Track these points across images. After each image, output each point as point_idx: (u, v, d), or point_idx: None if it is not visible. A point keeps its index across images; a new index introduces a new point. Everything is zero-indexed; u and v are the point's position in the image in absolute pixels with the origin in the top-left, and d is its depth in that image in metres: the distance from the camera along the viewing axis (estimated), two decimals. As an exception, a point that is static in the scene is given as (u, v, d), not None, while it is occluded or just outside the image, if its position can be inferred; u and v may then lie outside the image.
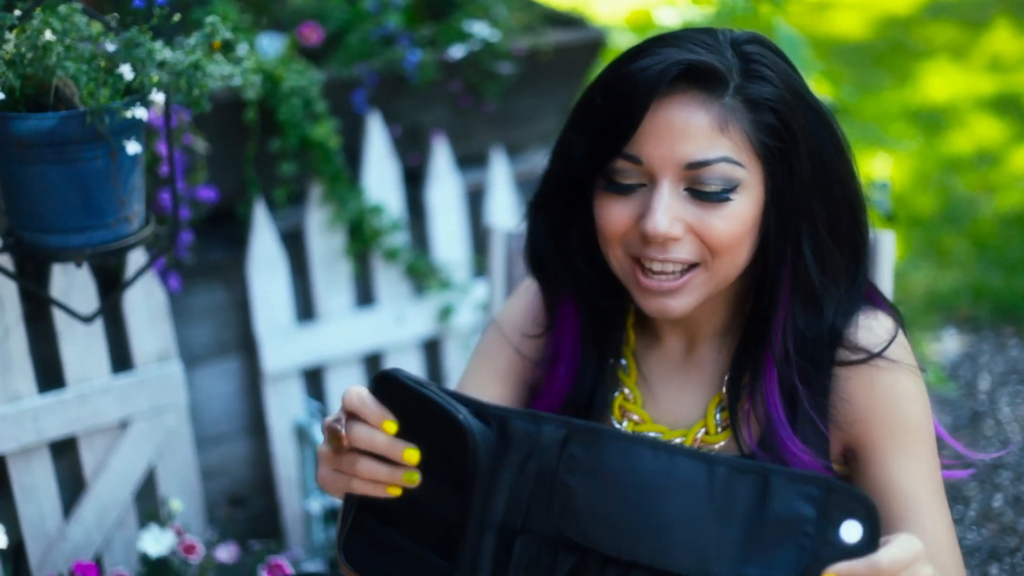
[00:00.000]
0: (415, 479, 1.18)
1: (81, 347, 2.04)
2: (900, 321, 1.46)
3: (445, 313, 2.53)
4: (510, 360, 1.58)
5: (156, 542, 2.03)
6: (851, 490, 1.12)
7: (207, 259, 2.31)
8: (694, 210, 1.34)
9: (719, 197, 1.33)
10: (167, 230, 1.92)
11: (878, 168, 4.39)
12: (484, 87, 2.54)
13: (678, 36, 1.36)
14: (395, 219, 2.44)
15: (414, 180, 2.56)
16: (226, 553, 2.10)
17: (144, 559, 2.03)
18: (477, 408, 1.22)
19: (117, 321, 2.13)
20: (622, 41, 2.77)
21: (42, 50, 1.57)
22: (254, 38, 2.44)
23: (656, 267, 1.36)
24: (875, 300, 1.47)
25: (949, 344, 3.53)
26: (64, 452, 2.09)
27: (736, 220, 1.34)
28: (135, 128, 1.64)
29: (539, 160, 2.64)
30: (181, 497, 2.19)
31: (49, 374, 2.04)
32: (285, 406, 2.41)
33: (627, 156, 1.34)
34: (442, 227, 2.54)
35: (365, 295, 2.51)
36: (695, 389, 1.49)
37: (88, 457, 2.09)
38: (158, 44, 1.62)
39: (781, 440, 1.39)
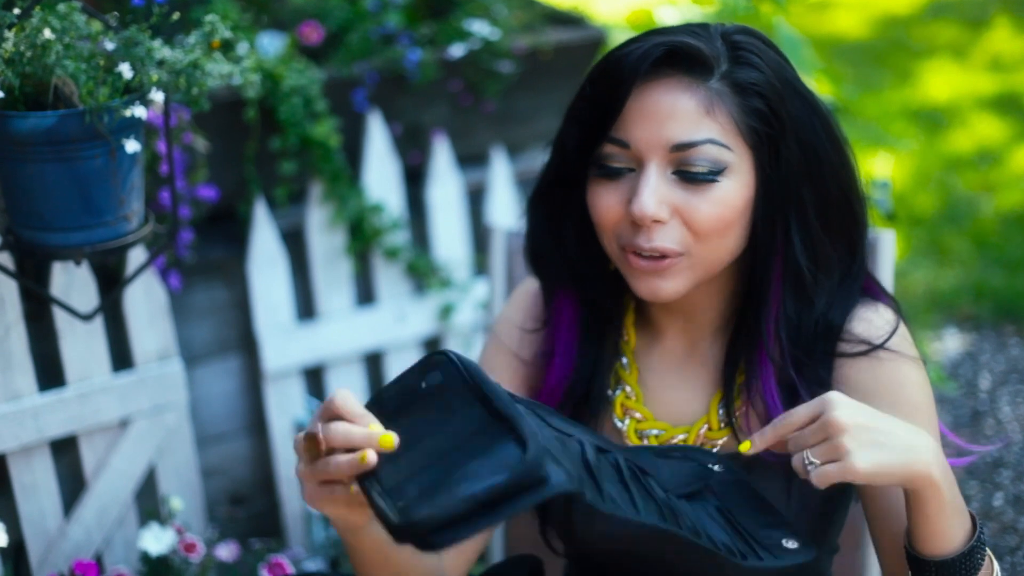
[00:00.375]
0: (365, 460, 1.14)
1: (81, 346, 2.04)
2: (901, 313, 1.46)
3: (446, 312, 2.53)
4: (511, 368, 1.59)
5: (157, 541, 2.03)
6: None
7: (207, 258, 2.31)
8: (681, 193, 1.35)
9: (705, 178, 1.33)
10: (166, 229, 1.92)
11: (879, 167, 4.39)
12: (484, 86, 2.54)
13: (670, 27, 1.39)
14: (395, 218, 2.44)
15: (414, 179, 2.56)
16: (226, 552, 2.10)
17: (145, 558, 2.03)
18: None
19: (117, 320, 2.13)
20: (622, 40, 2.77)
21: (41, 49, 1.57)
22: (254, 37, 2.44)
23: (645, 253, 1.37)
24: (875, 293, 1.48)
25: (950, 343, 3.53)
26: (64, 451, 2.09)
27: (722, 204, 1.34)
28: (134, 127, 1.64)
29: (539, 159, 2.64)
30: (182, 496, 2.19)
31: (50, 373, 2.04)
32: (285, 405, 2.41)
33: (614, 140, 1.35)
34: (442, 226, 2.54)
35: (366, 294, 2.51)
36: (696, 386, 1.50)
37: (88, 456, 2.09)
38: (157, 43, 1.62)
39: (781, 432, 1.40)
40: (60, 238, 1.67)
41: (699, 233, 1.35)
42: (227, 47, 2.22)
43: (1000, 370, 3.38)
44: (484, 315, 2.50)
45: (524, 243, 1.55)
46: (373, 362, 2.53)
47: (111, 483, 2.11)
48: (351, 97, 2.40)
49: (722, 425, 1.46)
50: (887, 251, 1.85)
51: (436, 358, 1.23)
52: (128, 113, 1.59)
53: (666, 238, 1.35)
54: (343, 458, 1.16)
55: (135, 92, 1.63)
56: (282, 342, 2.38)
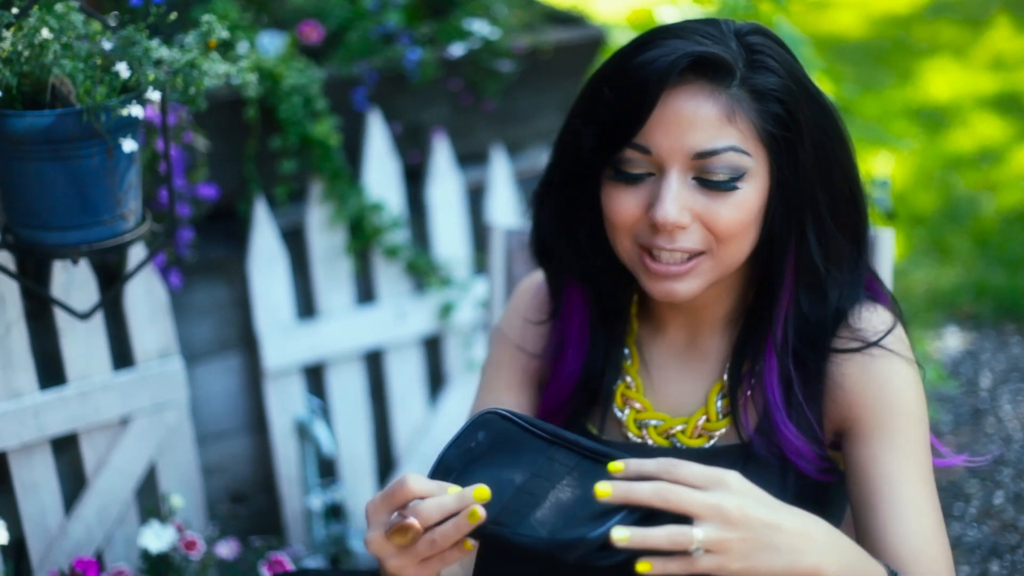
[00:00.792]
0: (478, 516, 1.15)
1: (82, 344, 2.05)
2: (899, 315, 1.47)
3: (445, 310, 2.53)
4: (518, 363, 1.60)
5: (157, 538, 2.03)
6: None
7: (208, 256, 2.32)
8: (702, 199, 1.35)
9: (727, 186, 1.34)
10: (165, 227, 1.92)
11: (880, 167, 4.39)
12: (484, 85, 2.54)
13: (683, 28, 1.37)
14: (395, 217, 2.45)
15: (414, 178, 2.57)
16: (227, 549, 2.10)
17: (145, 555, 2.04)
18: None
19: (118, 318, 2.14)
20: (622, 39, 2.77)
21: (39, 48, 1.57)
22: (255, 36, 2.44)
23: (664, 255, 1.37)
24: (876, 292, 1.48)
25: (951, 341, 3.53)
26: (65, 448, 2.09)
27: (742, 209, 1.35)
28: (131, 126, 1.64)
29: (539, 158, 2.64)
30: (182, 493, 2.20)
31: (50, 371, 2.04)
32: (286, 403, 2.42)
33: (636, 146, 1.35)
34: (442, 225, 2.55)
35: (366, 292, 2.51)
36: (696, 377, 1.51)
37: (89, 453, 2.10)
38: (155, 43, 1.62)
39: (776, 425, 1.41)
40: (57, 237, 1.68)
41: (720, 236, 1.36)
42: (227, 46, 2.23)
43: (1001, 369, 3.38)
44: (484, 314, 2.51)
45: (530, 238, 1.55)
46: (373, 360, 2.54)
47: (112, 481, 2.11)
48: (351, 96, 2.41)
49: (720, 416, 1.47)
50: (886, 249, 1.85)
51: (482, 418, 1.26)
52: (125, 112, 1.60)
53: (689, 239, 1.36)
54: (446, 527, 1.16)
55: (132, 91, 1.64)
56: (282, 340, 2.39)
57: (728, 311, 1.49)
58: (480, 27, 2.52)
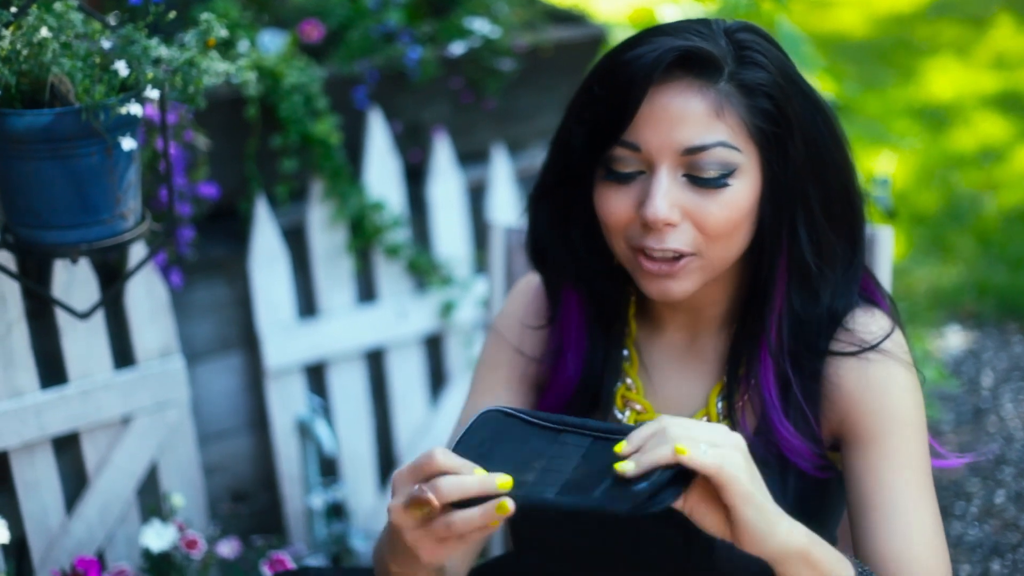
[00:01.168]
0: (507, 509, 1.15)
1: (83, 343, 2.05)
2: (897, 318, 1.46)
3: (446, 309, 2.53)
4: (513, 363, 1.59)
5: (158, 537, 2.03)
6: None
7: (209, 255, 2.32)
8: (692, 196, 1.35)
9: (717, 183, 1.34)
10: (164, 226, 1.92)
11: (882, 165, 4.39)
12: (485, 84, 2.54)
13: (673, 26, 1.38)
14: (396, 215, 2.45)
15: (415, 176, 2.57)
16: (228, 548, 2.10)
17: (146, 554, 2.04)
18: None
19: (119, 317, 2.14)
20: (623, 38, 2.77)
21: (37, 47, 1.57)
22: (255, 35, 2.44)
23: (656, 254, 1.37)
24: (873, 293, 1.48)
25: (952, 340, 3.53)
26: (66, 448, 2.10)
27: (733, 207, 1.35)
28: (130, 124, 1.64)
29: (540, 156, 2.64)
30: (183, 492, 2.20)
31: (51, 370, 2.04)
32: (287, 402, 2.42)
33: (625, 143, 1.35)
34: (443, 223, 2.55)
35: (367, 291, 2.52)
36: (696, 377, 1.50)
37: (90, 453, 2.10)
38: (154, 41, 1.63)
39: (773, 424, 1.41)
40: (57, 236, 1.68)
41: (710, 234, 1.36)
42: (227, 45, 2.23)
43: (1003, 367, 3.37)
44: (485, 312, 2.51)
45: (526, 240, 1.55)
46: (374, 359, 2.54)
47: (113, 480, 2.11)
48: (352, 95, 2.41)
49: (721, 418, 1.47)
50: (885, 247, 1.85)
51: (483, 417, 1.26)
52: (124, 111, 1.60)
53: (678, 240, 1.36)
54: (471, 514, 1.16)
55: (131, 90, 1.64)
56: (283, 339, 2.39)
57: (726, 310, 1.49)
58: (481, 26, 2.52)
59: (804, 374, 1.42)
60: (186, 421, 2.20)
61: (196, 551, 2.04)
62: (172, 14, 1.67)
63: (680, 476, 1.16)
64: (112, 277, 2.12)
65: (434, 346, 2.61)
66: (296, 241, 2.42)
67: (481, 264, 2.61)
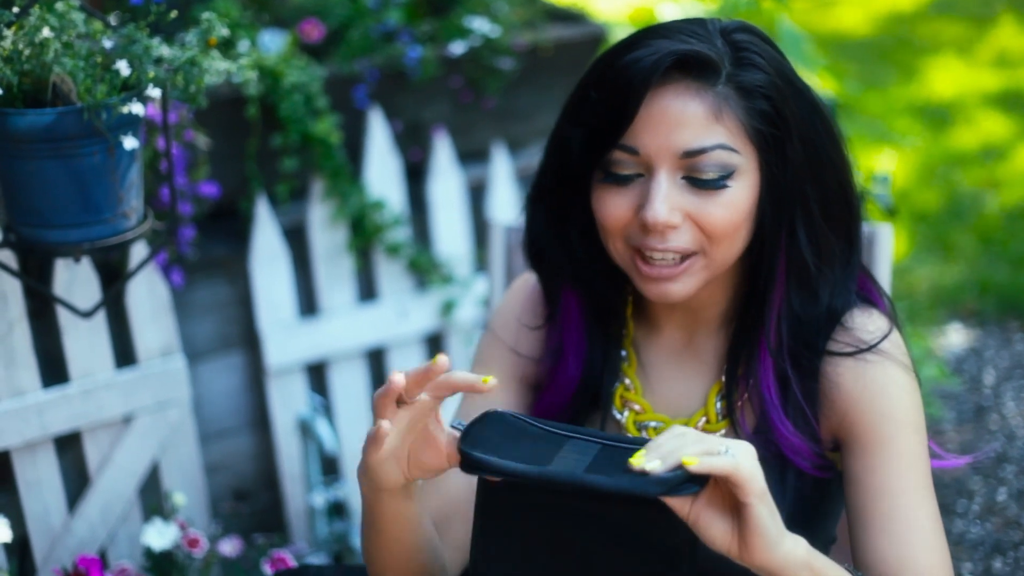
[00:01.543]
0: (488, 381, 1.20)
1: (85, 342, 2.05)
2: (895, 318, 1.46)
3: (447, 308, 2.54)
4: (508, 362, 1.59)
5: (160, 536, 2.04)
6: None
7: (210, 255, 2.32)
8: (692, 198, 1.35)
9: (717, 185, 1.34)
10: (166, 225, 1.93)
11: (883, 163, 4.39)
12: (485, 83, 2.55)
13: (669, 27, 1.37)
14: (397, 214, 2.45)
15: (415, 175, 2.57)
16: (229, 547, 2.10)
17: (148, 553, 2.04)
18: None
19: (120, 316, 2.14)
20: (621, 37, 2.78)
21: (39, 47, 1.58)
22: (255, 35, 2.45)
23: (657, 256, 1.37)
24: (871, 293, 1.48)
25: (954, 339, 3.53)
26: (68, 447, 2.10)
27: (733, 207, 1.35)
28: (132, 124, 1.65)
29: (540, 155, 2.64)
30: (185, 491, 2.20)
31: (53, 369, 2.05)
32: (288, 401, 2.42)
33: (624, 147, 1.35)
34: (443, 222, 2.55)
35: (367, 290, 2.52)
36: (695, 377, 1.50)
37: (92, 452, 2.10)
38: (155, 41, 1.63)
39: (773, 423, 1.41)
40: (59, 235, 1.68)
41: (711, 236, 1.36)
42: (228, 45, 2.23)
43: (1004, 366, 3.37)
44: (485, 311, 2.51)
45: (524, 241, 1.55)
46: (375, 358, 2.54)
47: (115, 479, 2.12)
48: (352, 94, 2.41)
49: (720, 417, 1.47)
50: (885, 245, 1.85)
51: (486, 415, 1.26)
52: (126, 110, 1.60)
53: (680, 239, 1.36)
54: (460, 373, 1.23)
55: (133, 89, 1.64)
56: (284, 338, 2.39)
57: (724, 310, 1.49)
58: (481, 25, 2.52)
59: (803, 373, 1.41)
60: (187, 420, 2.20)
61: (198, 550, 2.04)
62: (173, 13, 1.67)
63: (694, 478, 1.15)
64: (113, 277, 2.12)
65: (435, 345, 2.61)
66: (297, 240, 2.42)
67: (481, 263, 2.61)
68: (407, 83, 2.47)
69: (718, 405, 1.47)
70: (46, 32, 1.58)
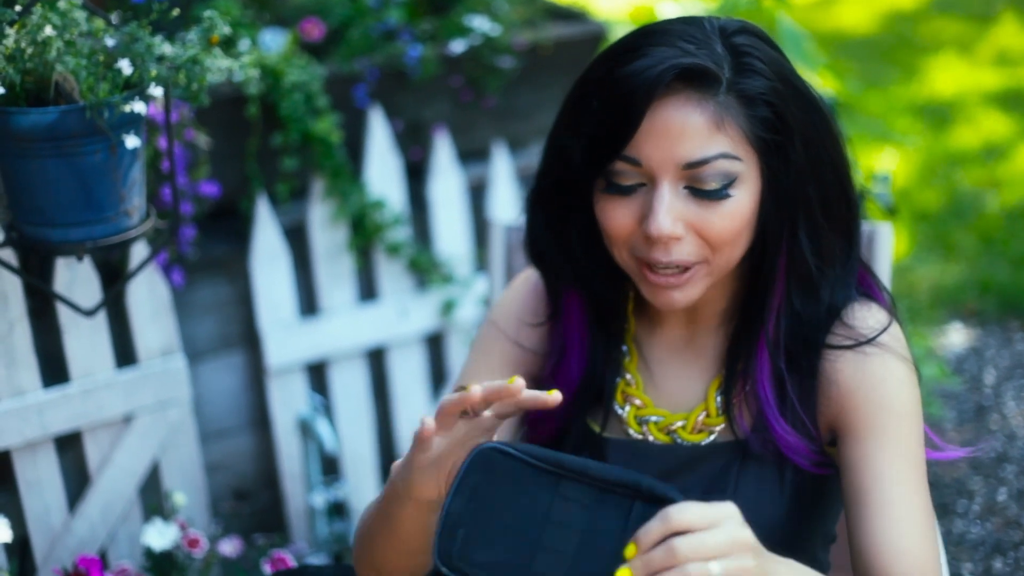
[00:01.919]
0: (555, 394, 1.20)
1: (85, 342, 2.05)
2: (895, 313, 1.46)
3: (447, 307, 2.54)
4: (508, 354, 1.59)
5: (160, 536, 2.04)
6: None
7: (210, 254, 2.32)
8: (695, 208, 1.35)
9: (719, 195, 1.34)
10: (168, 224, 1.92)
11: (883, 162, 4.39)
12: (485, 81, 2.55)
13: (667, 32, 1.35)
14: (397, 214, 2.45)
15: (416, 175, 2.57)
16: (230, 547, 2.11)
17: (148, 553, 2.04)
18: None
19: (121, 316, 2.14)
20: (615, 40, 2.78)
21: (42, 45, 1.58)
22: (256, 34, 2.45)
23: (662, 267, 1.37)
24: (871, 288, 1.48)
25: (955, 338, 3.53)
26: (69, 446, 2.10)
27: (735, 216, 1.35)
28: (134, 122, 1.65)
29: (540, 155, 2.64)
30: (185, 491, 2.20)
31: (54, 369, 2.05)
32: (288, 400, 2.42)
33: (626, 158, 1.34)
34: (444, 221, 2.55)
35: (368, 290, 2.52)
36: (695, 373, 1.51)
37: (93, 451, 2.10)
38: (157, 39, 1.63)
39: (769, 422, 1.41)
40: (61, 234, 1.68)
41: (714, 245, 1.36)
42: (228, 43, 2.23)
43: (1005, 365, 3.37)
44: (485, 310, 2.51)
45: (525, 242, 1.55)
46: (375, 358, 2.54)
47: (115, 479, 2.12)
48: (352, 93, 2.41)
49: (719, 412, 1.47)
50: (885, 244, 1.85)
51: (479, 456, 1.22)
52: (128, 109, 1.60)
53: (683, 251, 1.36)
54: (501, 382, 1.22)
55: (135, 88, 1.64)
56: (285, 338, 2.39)
57: (724, 308, 1.49)
58: (481, 23, 2.52)
59: (801, 371, 1.42)
60: (188, 420, 2.20)
61: (198, 550, 2.04)
62: (175, 12, 1.67)
63: None
64: (113, 276, 2.12)
65: (435, 344, 2.61)
66: (297, 239, 2.42)
67: (482, 262, 2.61)
68: (407, 82, 2.47)
69: (718, 400, 1.48)
70: (48, 31, 1.58)
